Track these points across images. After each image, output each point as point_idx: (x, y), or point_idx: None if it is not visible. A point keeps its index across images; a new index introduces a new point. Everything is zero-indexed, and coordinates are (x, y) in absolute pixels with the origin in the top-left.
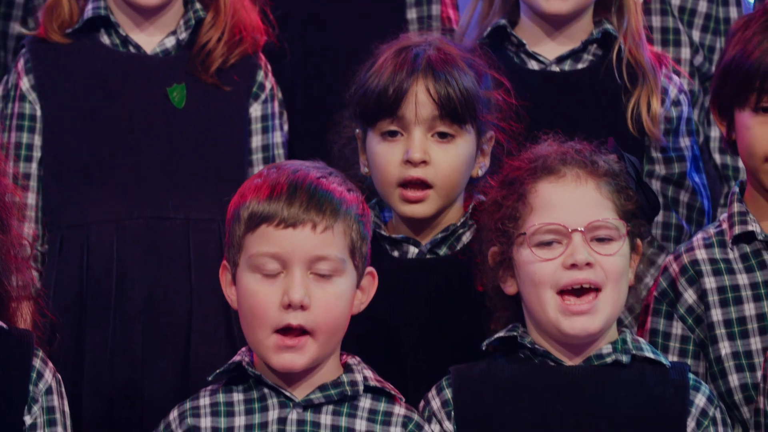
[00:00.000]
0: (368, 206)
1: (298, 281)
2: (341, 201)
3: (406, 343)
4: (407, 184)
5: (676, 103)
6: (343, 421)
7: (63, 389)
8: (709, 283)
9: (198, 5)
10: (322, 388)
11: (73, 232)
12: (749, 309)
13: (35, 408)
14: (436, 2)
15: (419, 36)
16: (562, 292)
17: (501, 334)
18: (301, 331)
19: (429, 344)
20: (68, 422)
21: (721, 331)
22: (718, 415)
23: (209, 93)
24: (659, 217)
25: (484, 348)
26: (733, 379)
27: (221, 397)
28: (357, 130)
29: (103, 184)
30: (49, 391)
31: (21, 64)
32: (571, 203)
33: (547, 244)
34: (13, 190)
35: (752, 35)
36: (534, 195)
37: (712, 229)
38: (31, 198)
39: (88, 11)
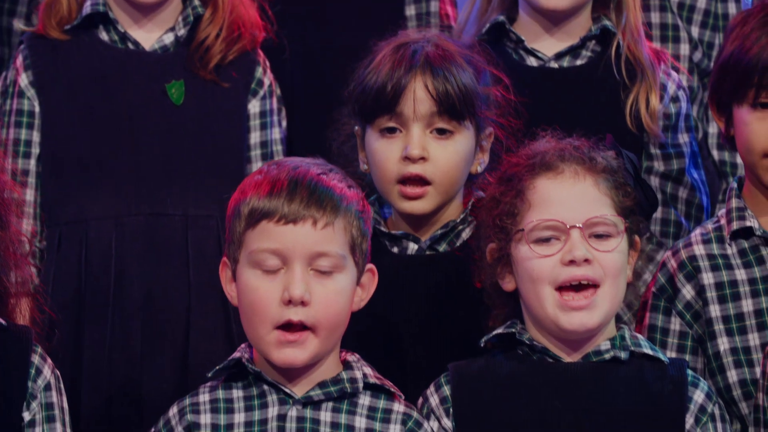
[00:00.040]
0: (368, 203)
1: (299, 277)
2: (342, 197)
3: (405, 338)
4: (406, 180)
5: (675, 99)
6: (343, 418)
7: (62, 385)
8: (707, 278)
9: (196, 2)
10: (321, 385)
11: (72, 228)
12: (747, 305)
13: (34, 404)
14: None
15: (417, 33)
16: (561, 288)
17: (499, 330)
18: (301, 327)
19: (428, 340)
20: (67, 418)
21: (719, 326)
22: (717, 411)
23: (208, 89)
24: (658, 214)
25: (482, 345)
26: (732, 375)
27: (221, 394)
28: (356, 128)
29: (101, 180)
30: (47, 388)
31: (20, 60)
32: (569, 200)
33: (546, 240)
34: (12, 187)
35: (750, 31)
36: (532, 191)
37: (710, 225)
38: (30, 194)
39: (87, 8)
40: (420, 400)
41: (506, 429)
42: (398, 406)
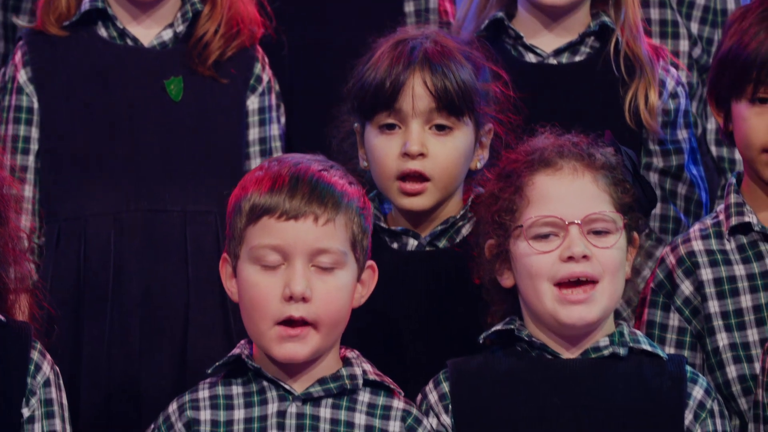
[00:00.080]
0: (368, 199)
1: (300, 273)
2: (343, 194)
3: (405, 334)
4: (405, 176)
5: (674, 95)
6: (343, 415)
7: (61, 381)
8: (706, 274)
9: None
10: (321, 381)
11: (71, 224)
12: (746, 300)
13: (33, 400)
14: None
15: (416, 29)
16: (559, 284)
17: (498, 327)
18: (302, 323)
19: (428, 336)
20: (66, 414)
21: (718, 322)
22: (716, 407)
23: (206, 86)
24: (657, 210)
25: (481, 341)
26: (731, 371)
27: (220, 390)
28: (355, 124)
29: (100, 176)
30: (47, 384)
31: (18, 56)
32: (568, 196)
33: (544, 236)
34: (11, 183)
35: (749, 26)
36: (531, 187)
37: (708, 221)
38: (29, 190)
39: (86, 4)
40: (419, 397)
41: (505, 425)
42: (398, 403)
